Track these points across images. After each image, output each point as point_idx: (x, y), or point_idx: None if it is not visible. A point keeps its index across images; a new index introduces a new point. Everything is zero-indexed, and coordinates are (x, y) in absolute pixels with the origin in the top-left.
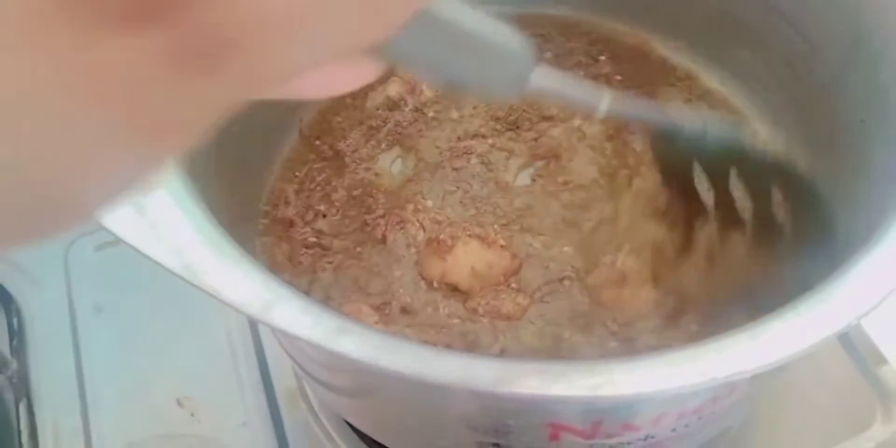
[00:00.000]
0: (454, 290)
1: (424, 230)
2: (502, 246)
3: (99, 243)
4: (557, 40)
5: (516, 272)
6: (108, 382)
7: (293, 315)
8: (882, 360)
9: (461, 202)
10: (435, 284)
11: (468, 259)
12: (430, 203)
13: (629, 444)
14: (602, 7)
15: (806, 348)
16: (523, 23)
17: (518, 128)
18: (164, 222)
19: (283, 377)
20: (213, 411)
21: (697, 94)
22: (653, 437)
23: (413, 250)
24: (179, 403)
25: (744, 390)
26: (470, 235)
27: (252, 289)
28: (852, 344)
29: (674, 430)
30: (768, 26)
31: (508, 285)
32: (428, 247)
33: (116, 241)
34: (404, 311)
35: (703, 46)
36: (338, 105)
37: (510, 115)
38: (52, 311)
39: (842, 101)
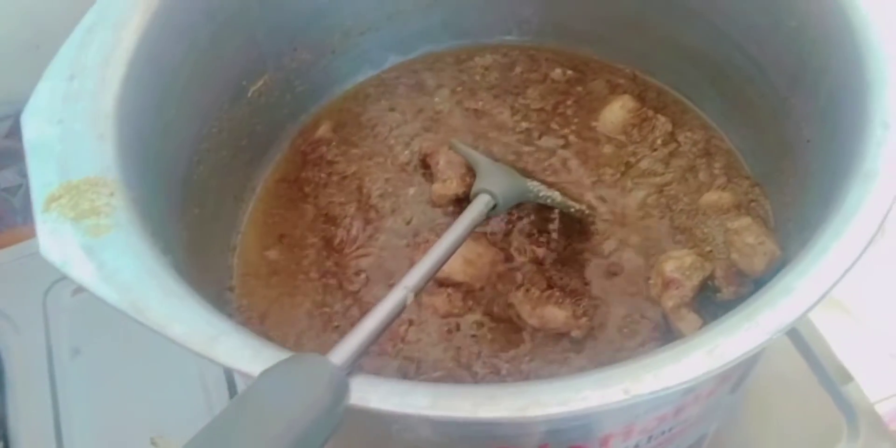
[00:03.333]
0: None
1: None
2: (488, 236)
3: (77, 287)
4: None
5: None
6: (84, 423)
7: (234, 349)
8: (848, 378)
9: None
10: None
11: (459, 251)
12: None
13: None
14: (564, 36)
15: (722, 365)
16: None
17: None
18: (114, 262)
19: None
20: None
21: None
22: None
23: None
24: (153, 442)
25: (695, 410)
26: None
27: (196, 324)
28: (819, 362)
29: None
30: (722, 54)
31: None
32: (418, 249)
33: None
34: None
35: (663, 75)
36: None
37: None
38: (30, 354)
39: (791, 123)
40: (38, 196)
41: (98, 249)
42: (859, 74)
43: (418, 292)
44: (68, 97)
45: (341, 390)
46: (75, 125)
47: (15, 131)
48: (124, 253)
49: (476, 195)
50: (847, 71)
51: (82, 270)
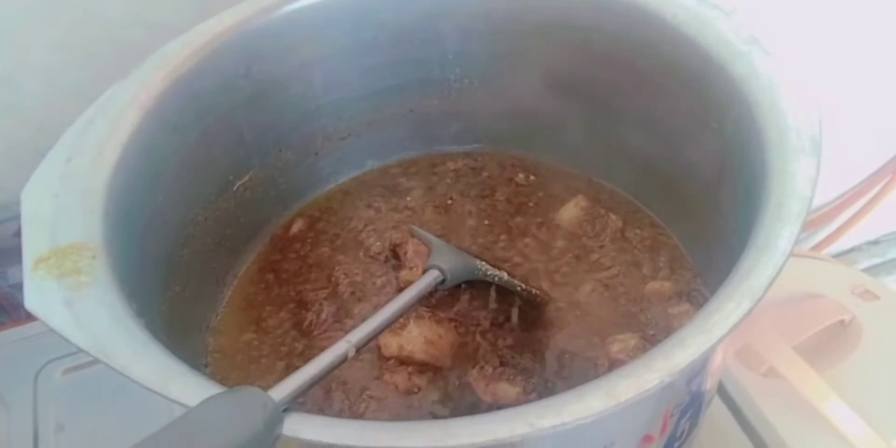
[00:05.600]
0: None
1: None
2: (450, 319)
3: (68, 367)
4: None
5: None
6: None
7: (186, 386)
8: None
9: None
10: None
11: (421, 331)
12: None
13: None
14: (528, 145)
15: (618, 404)
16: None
17: None
18: (89, 313)
19: None
20: None
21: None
22: None
23: None
24: None
25: None
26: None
27: (154, 367)
28: None
29: None
30: (661, 155)
31: None
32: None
33: (85, 364)
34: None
35: (614, 178)
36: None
37: None
38: (16, 429)
39: (721, 216)
40: (28, 258)
41: (76, 303)
42: (765, 167)
43: (360, 348)
44: (64, 176)
45: (275, 420)
46: (68, 199)
47: None
48: (99, 306)
49: (427, 270)
50: (758, 165)
51: (61, 320)
